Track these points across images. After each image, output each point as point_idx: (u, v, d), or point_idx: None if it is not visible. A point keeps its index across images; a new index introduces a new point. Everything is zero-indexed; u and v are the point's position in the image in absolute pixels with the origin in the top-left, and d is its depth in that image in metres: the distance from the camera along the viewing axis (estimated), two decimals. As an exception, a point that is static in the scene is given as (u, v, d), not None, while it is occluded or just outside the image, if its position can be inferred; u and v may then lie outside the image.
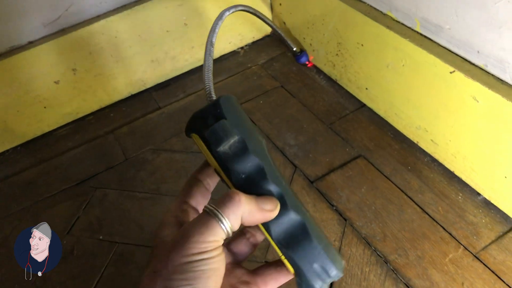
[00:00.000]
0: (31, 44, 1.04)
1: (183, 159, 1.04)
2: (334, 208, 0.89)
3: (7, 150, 1.14)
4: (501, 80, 0.75)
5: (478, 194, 0.86)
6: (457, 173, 0.89)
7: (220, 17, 0.74)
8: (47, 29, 1.06)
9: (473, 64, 0.78)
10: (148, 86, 1.24)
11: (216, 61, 1.29)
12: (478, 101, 0.76)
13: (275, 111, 1.13)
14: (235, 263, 0.42)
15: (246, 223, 0.35)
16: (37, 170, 1.08)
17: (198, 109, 0.39)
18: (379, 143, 0.99)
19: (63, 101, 1.13)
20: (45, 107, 1.12)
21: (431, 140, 0.91)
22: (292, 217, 0.37)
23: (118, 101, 1.22)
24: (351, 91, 1.12)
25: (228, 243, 0.43)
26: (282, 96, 1.16)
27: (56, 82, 1.10)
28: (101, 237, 0.91)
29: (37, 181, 1.05)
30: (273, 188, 0.37)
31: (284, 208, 0.37)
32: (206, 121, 0.38)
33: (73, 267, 0.86)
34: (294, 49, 1.21)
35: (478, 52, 0.77)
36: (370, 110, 1.07)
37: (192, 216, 0.38)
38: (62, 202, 1.00)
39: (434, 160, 0.93)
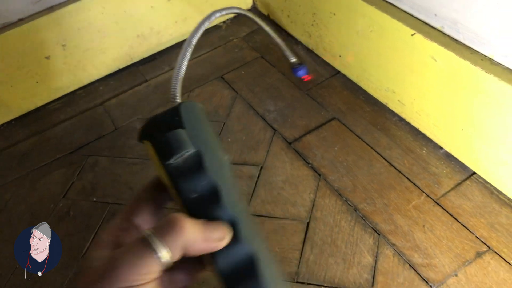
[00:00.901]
0: (21, 21, 1.10)
1: (170, 126, 1.11)
2: (310, 165, 0.96)
3: (2, 125, 1.20)
4: (456, 40, 0.82)
5: (440, 148, 0.94)
6: (421, 129, 0.97)
7: (208, 17, 0.68)
8: (36, 6, 1.11)
9: (432, 27, 0.85)
10: (135, 60, 1.30)
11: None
12: (436, 61, 0.84)
13: (256, 80, 1.19)
14: None
15: (189, 253, 0.30)
16: (32, 142, 1.14)
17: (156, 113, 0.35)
18: (351, 106, 1.07)
19: (54, 76, 1.19)
20: (37, 82, 1.18)
21: (398, 100, 0.99)
22: (243, 250, 0.32)
23: (107, 75, 1.28)
24: (326, 59, 1.18)
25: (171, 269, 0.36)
26: (263, 66, 1.23)
27: (47, 58, 1.15)
28: (94, 199, 0.98)
29: (32, 151, 1.12)
30: (227, 213, 0.32)
31: (235, 239, 0.32)
32: (161, 129, 0.33)
33: (69, 226, 0.94)
34: (293, 60, 1.11)
35: (435, 15, 0.84)
36: (344, 76, 1.14)
37: (133, 238, 0.31)
38: (57, 170, 1.06)
39: (401, 119, 1.01)
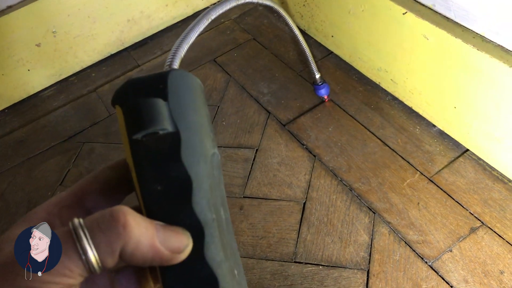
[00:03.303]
0: (10, 8, 1.09)
1: (164, 111, 1.11)
2: (304, 146, 0.97)
3: (-4, 114, 1.20)
4: (447, 18, 0.82)
5: (434, 125, 0.95)
6: (414, 108, 0.97)
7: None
8: (24, -7, 1.10)
9: (423, 5, 0.85)
10: (127, 45, 1.29)
11: (190, 18, 1.35)
12: (428, 39, 0.84)
13: (249, 62, 1.19)
14: None
15: (131, 261, 0.23)
16: (26, 130, 1.14)
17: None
18: (345, 87, 1.07)
19: (45, 63, 1.19)
20: (29, 70, 1.17)
21: (391, 79, 0.99)
22: (204, 272, 0.25)
23: (99, 61, 1.27)
24: (319, 40, 1.18)
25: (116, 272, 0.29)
26: (255, 48, 1.22)
27: (38, 45, 1.14)
28: (91, 186, 0.98)
29: (27, 139, 1.12)
30: (194, 219, 0.25)
31: (197, 255, 0.25)
32: (138, 94, 0.27)
33: (67, 213, 0.94)
34: (317, 76, 1.00)
35: (426, -7, 0.84)
36: (337, 56, 1.14)
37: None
38: (53, 157, 1.06)
39: (394, 99, 1.01)
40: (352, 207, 0.86)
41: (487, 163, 0.87)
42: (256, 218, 0.87)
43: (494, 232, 0.79)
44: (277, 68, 1.16)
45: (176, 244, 0.24)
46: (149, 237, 0.23)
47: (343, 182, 0.90)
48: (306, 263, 0.80)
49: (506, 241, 0.77)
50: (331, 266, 0.79)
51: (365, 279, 0.76)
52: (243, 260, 0.81)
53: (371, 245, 0.80)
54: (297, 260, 0.80)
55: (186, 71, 0.28)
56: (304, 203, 0.88)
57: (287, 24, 0.87)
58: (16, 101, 1.21)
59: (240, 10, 1.35)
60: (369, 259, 0.79)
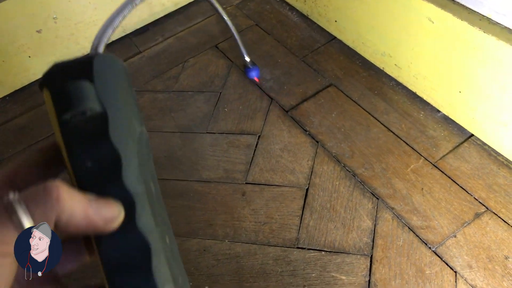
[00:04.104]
0: (10, -6, 1.08)
1: (166, 98, 1.10)
2: (307, 132, 0.96)
3: (-3, 101, 1.19)
4: (453, 0, 0.80)
5: (438, 111, 0.94)
6: (419, 93, 0.96)
7: None
8: (24, -22, 1.09)
9: (428, -13, 0.84)
10: (128, 31, 1.28)
11: (192, 4, 1.33)
12: (433, 22, 0.82)
13: (251, 48, 1.18)
14: (49, 277, 0.29)
15: (67, 231, 0.25)
16: (28, 117, 1.13)
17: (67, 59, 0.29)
18: (348, 72, 1.06)
19: (46, 49, 1.18)
20: (29, 57, 1.16)
21: (395, 64, 0.98)
22: (136, 239, 0.27)
23: (100, 48, 1.26)
24: (322, 25, 1.17)
25: None
26: (257, 34, 1.21)
27: (38, 31, 1.13)
28: (93, 172, 0.98)
29: (29, 126, 1.11)
30: (124, 191, 0.27)
31: (130, 223, 0.27)
32: (64, 77, 0.28)
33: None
34: (248, 60, 1.06)
35: (431, -25, 0.82)
36: (340, 41, 1.13)
37: None
38: (54, 144, 1.06)
39: (398, 84, 1.00)
40: (355, 193, 0.85)
41: (492, 148, 0.86)
42: (258, 204, 0.87)
43: (499, 217, 0.78)
44: (280, 54, 1.14)
45: (108, 213, 0.26)
46: (82, 208, 0.25)
47: (346, 168, 0.89)
48: (308, 249, 0.79)
49: (511, 226, 0.76)
50: (334, 252, 0.78)
51: (368, 264, 0.76)
52: (246, 246, 0.81)
53: (374, 230, 0.80)
54: (299, 246, 0.80)
55: (110, 54, 0.30)
56: (307, 189, 0.87)
57: (215, 10, 0.90)
58: (17, 88, 1.20)
59: (243, -5, 1.34)
60: (372, 244, 0.78)
